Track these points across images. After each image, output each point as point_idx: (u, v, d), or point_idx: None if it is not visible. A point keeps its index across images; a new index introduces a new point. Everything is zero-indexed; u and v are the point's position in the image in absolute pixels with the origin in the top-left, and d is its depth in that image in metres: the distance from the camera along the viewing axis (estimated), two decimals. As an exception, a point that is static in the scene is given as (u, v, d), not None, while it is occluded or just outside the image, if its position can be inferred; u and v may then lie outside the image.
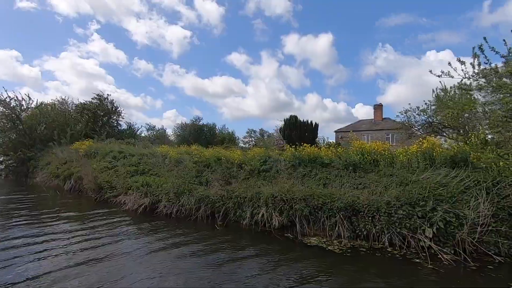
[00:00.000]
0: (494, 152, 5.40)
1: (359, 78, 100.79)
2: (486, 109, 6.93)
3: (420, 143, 7.62)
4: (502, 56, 5.74)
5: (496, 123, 5.28)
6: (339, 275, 4.33)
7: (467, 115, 8.06)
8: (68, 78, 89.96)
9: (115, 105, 27.91)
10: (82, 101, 27.01)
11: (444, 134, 11.24)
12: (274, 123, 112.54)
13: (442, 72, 6.43)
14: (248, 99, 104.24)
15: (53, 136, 20.51)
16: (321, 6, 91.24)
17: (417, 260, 4.68)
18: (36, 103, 23.46)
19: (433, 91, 11.35)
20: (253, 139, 53.22)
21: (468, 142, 7.39)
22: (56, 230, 6.61)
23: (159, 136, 38.33)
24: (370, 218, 5.78)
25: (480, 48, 6.02)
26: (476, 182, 5.74)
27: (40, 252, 5.14)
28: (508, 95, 5.60)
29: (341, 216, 6.02)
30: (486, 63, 6.16)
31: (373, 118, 34.17)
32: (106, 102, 27.00)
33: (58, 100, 27.28)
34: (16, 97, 21.45)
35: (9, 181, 18.80)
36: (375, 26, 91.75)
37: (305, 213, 6.41)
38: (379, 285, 4.00)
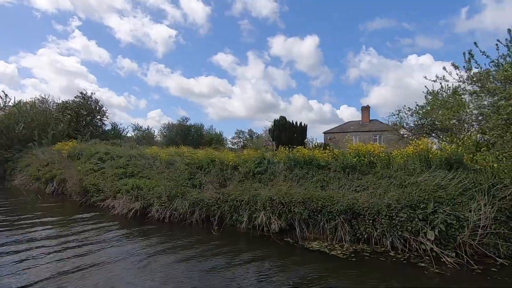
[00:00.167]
0: (492, 155, 5.45)
1: (343, 80, 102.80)
2: (476, 112, 7.03)
3: (416, 144, 7.68)
4: (492, 62, 5.82)
5: (496, 126, 5.33)
6: (346, 280, 4.20)
7: (461, 117, 8.20)
8: (46, 75, 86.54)
9: (100, 104, 26.96)
10: (64, 100, 25.88)
11: (434, 135, 11.46)
12: (261, 124, 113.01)
13: (437, 77, 6.48)
14: (234, 100, 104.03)
15: (33, 136, 19.50)
16: (307, 8, 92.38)
17: (422, 264, 4.62)
18: (14, 101, 22.27)
19: (427, 92, 11.53)
20: (241, 140, 52.97)
21: (460, 143, 7.51)
22: (39, 237, 6.15)
23: (145, 137, 37.34)
24: (370, 221, 5.71)
25: (470, 53, 6.12)
26: (473, 184, 5.80)
27: (22, 261, 4.73)
28: (504, 99, 5.69)
29: (342, 219, 5.92)
30: (477, 68, 6.26)
31: (360, 119, 34.74)
32: (90, 101, 26.01)
33: (38, 99, 26.01)
34: (-8, 94, 20.29)
35: (-16, 184, 17.67)
36: (359, 29, 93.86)
37: (304, 217, 6.28)
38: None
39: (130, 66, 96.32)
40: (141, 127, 41.16)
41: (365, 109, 34.32)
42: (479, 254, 4.91)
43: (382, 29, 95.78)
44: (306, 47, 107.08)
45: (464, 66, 6.17)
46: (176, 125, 45.19)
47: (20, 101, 23.37)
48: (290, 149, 9.44)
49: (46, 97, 26.79)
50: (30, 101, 24.85)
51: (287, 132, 33.40)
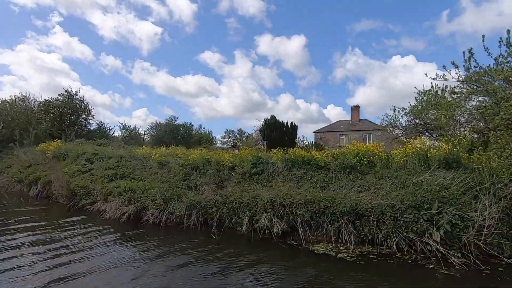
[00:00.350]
0: (495, 154, 5.49)
1: (330, 80, 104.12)
2: (475, 112, 7.11)
3: (412, 143, 7.70)
4: (495, 59, 5.85)
5: (499, 126, 5.36)
6: (358, 283, 4.08)
7: (456, 117, 8.31)
8: (25, 72, 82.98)
9: (85, 103, 25.99)
10: (46, 98, 24.76)
11: (427, 134, 11.63)
12: (249, 123, 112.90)
13: (437, 75, 6.49)
14: (222, 99, 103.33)
15: (14, 136, 18.54)
16: (294, 7, 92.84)
17: (431, 266, 4.57)
18: (-8, 100, 21.11)
19: (419, 92, 11.67)
20: (231, 139, 52.61)
21: (456, 143, 7.57)
22: (25, 244, 5.75)
23: (133, 137, 36.35)
24: (375, 222, 5.63)
25: (470, 52, 6.14)
26: (474, 183, 5.82)
27: (6, 271, 4.38)
28: (503, 100, 5.73)
29: (345, 220, 5.82)
30: (476, 67, 6.29)
31: (350, 119, 35.14)
32: (74, 100, 25.01)
33: (19, 97, 24.78)
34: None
35: (-40, 187, 16.62)
36: (346, 30, 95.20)
37: (306, 218, 6.14)
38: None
39: (114, 64, 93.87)
40: (129, 127, 40.03)
41: (355, 109, 34.74)
42: (483, 253, 4.91)
43: (368, 30, 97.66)
44: (293, 47, 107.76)
45: (464, 65, 6.19)
46: (164, 124, 44.32)
47: (-2, 99, 22.20)
48: (286, 150, 9.31)
49: (27, 95, 25.60)
50: (9, 99, 23.66)
51: (278, 131, 33.38)
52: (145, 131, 41.24)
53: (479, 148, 7.35)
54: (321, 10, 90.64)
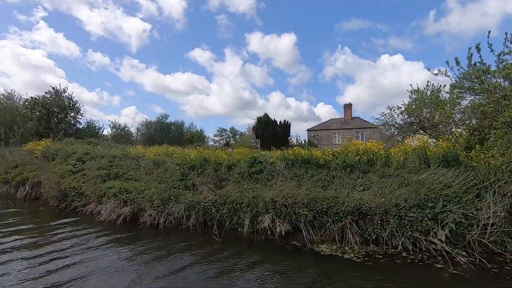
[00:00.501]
0: (498, 152, 5.52)
1: (320, 78, 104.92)
2: (476, 110, 7.14)
3: (410, 141, 7.72)
4: (499, 55, 5.86)
5: (502, 124, 5.38)
6: (371, 285, 4.00)
7: (454, 114, 8.37)
8: (8, 69, 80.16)
9: (73, 101, 25.23)
10: (33, 96, 23.90)
11: (422, 132, 11.74)
12: (240, 121, 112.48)
13: (439, 70, 6.49)
14: (212, 97, 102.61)
15: (-1, 135, 17.81)
16: (284, 5, 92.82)
17: (438, 266, 4.54)
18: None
19: (415, 91, 11.75)
20: (223, 137, 52.29)
21: (454, 140, 7.62)
22: (14, 248, 5.44)
23: (124, 135, 35.63)
24: (379, 222, 5.59)
25: (478, 46, 6.08)
26: (475, 181, 5.84)
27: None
28: (503, 98, 5.75)
29: (349, 220, 5.75)
30: (480, 63, 6.29)
31: (343, 117, 35.38)
32: (62, 97, 24.24)
33: (3, 94, 23.84)
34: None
35: None
36: (335, 29, 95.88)
37: (309, 218, 6.05)
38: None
39: (102, 61, 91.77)
40: (119, 125, 39.21)
41: (348, 107, 34.98)
42: (487, 252, 4.94)
43: (357, 29, 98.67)
44: (283, 45, 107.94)
45: (467, 64, 6.19)
46: (155, 123, 43.67)
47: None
48: (282, 149, 9.22)
49: (12, 92, 24.65)
50: (-7, 96, 22.73)
51: (271, 130, 33.33)
52: (138, 129, 40.49)
53: (476, 146, 7.43)
54: (311, 8, 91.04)
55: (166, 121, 43.76)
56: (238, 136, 46.99)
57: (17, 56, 79.02)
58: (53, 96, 23.80)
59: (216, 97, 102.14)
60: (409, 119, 11.49)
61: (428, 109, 11.21)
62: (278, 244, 5.75)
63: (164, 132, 40.70)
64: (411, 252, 5.06)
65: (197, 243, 5.89)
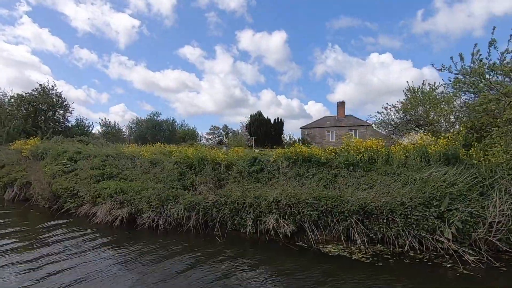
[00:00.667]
0: (501, 150, 5.54)
1: (311, 76, 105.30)
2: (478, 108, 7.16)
3: (412, 139, 7.72)
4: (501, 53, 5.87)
5: (505, 121, 5.39)
6: (385, 286, 3.92)
7: (452, 112, 8.43)
8: (-11, 65, 77.04)
9: (62, 98, 24.46)
10: (19, 93, 22.99)
11: (417, 129, 11.84)
12: (231, 119, 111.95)
13: (443, 66, 6.49)
14: (203, 95, 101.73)
15: (-17, 134, 17.06)
16: (274, 3, 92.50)
17: (448, 265, 4.50)
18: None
19: (410, 89, 11.81)
20: (216, 135, 51.87)
21: (451, 138, 7.66)
22: (4, 252, 5.14)
23: (114, 133, 34.84)
24: (384, 221, 5.53)
25: (492, 41, 6.00)
26: (479, 179, 5.85)
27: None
28: (504, 95, 5.77)
29: (354, 220, 5.68)
30: (488, 58, 6.27)
31: (336, 115, 35.55)
32: (50, 94, 23.45)
33: (-13, 91, 22.87)
34: None
35: None
36: (325, 26, 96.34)
37: (313, 218, 5.95)
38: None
39: (89, 57, 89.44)
40: (110, 123, 38.32)
41: (341, 105, 35.15)
42: (492, 249, 4.94)
43: (347, 27, 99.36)
44: (274, 42, 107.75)
45: (470, 60, 6.19)
46: (146, 121, 42.87)
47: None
48: (276, 148, 9.11)
49: (-3, 89, 23.67)
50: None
51: (264, 128, 33.22)
52: (132, 128, 39.63)
53: (475, 143, 7.48)
54: (301, 5, 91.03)
55: (158, 119, 43.03)
56: (231, 134, 46.61)
57: (-1, 52, 76.02)
58: (41, 93, 22.99)
59: (206, 94, 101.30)
60: (405, 117, 11.55)
61: (423, 107, 11.31)
62: (283, 245, 5.62)
63: (156, 130, 40.04)
64: (418, 251, 5.02)
65: (199, 245, 5.71)
